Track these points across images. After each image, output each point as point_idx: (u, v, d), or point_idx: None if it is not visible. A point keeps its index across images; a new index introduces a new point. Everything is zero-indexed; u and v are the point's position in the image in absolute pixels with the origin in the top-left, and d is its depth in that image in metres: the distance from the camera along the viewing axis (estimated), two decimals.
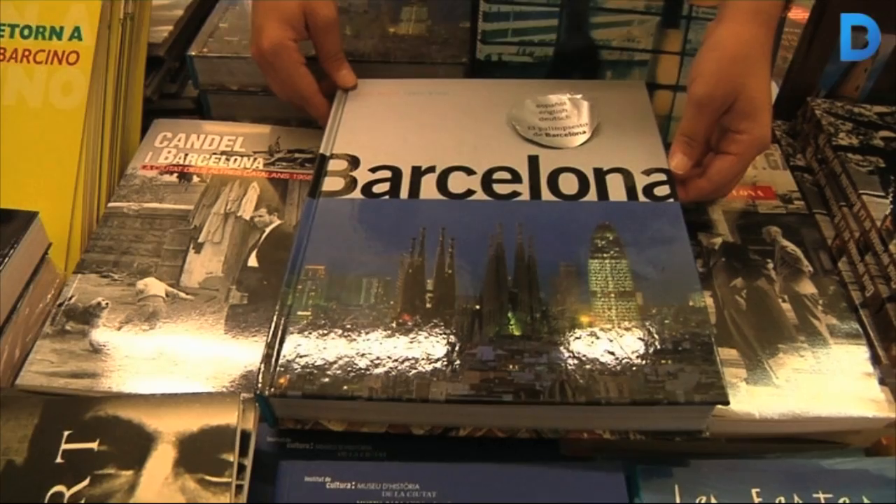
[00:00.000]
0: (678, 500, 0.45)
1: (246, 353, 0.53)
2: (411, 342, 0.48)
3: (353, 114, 0.66)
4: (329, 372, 0.46)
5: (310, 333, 0.48)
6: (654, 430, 0.47)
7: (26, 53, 0.66)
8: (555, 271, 0.52)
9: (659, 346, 0.47)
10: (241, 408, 0.44)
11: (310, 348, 0.47)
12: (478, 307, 0.50)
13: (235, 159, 0.69)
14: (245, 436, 0.44)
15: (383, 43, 0.75)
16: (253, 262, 0.60)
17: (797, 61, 0.72)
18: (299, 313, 0.50)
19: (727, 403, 0.44)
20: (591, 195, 0.57)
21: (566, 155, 0.61)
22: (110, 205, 0.65)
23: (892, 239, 0.56)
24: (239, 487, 0.41)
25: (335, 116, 0.66)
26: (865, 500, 0.45)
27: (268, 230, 0.63)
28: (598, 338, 0.48)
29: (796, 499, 0.45)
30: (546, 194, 0.57)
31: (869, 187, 0.60)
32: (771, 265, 0.59)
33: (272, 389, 0.45)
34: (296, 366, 0.46)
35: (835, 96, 0.71)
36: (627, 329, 0.48)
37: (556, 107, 0.65)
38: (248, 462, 0.43)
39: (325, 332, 0.48)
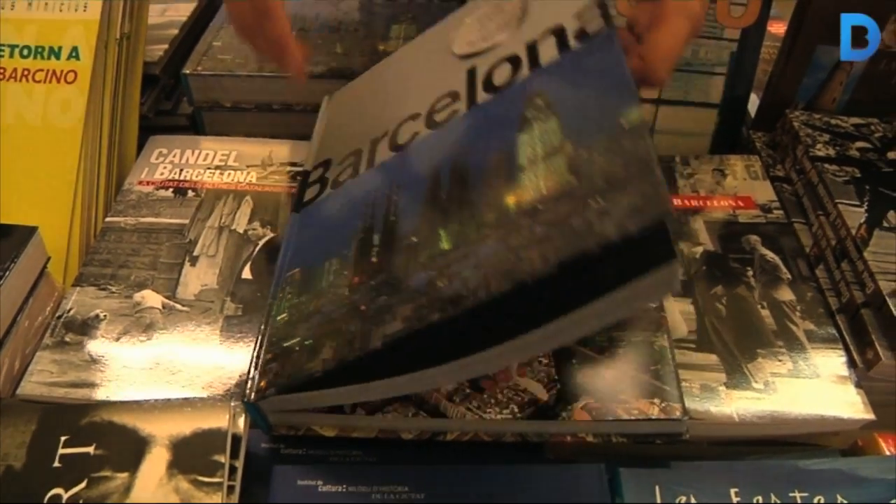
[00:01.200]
0: (658, 500, 0.46)
1: (240, 362, 0.55)
2: (360, 301, 0.47)
3: (328, 124, 0.67)
4: (296, 360, 0.47)
5: (284, 332, 0.49)
6: (631, 427, 0.48)
7: (25, 73, 0.68)
8: (486, 165, 0.48)
9: (589, 189, 0.41)
10: (231, 412, 0.45)
11: (283, 346, 0.48)
12: (414, 239, 0.47)
13: (229, 173, 0.71)
14: (236, 439, 0.45)
15: (373, 60, 0.76)
16: (247, 274, 0.62)
17: (776, 74, 0.73)
18: (278, 318, 0.50)
19: (671, 227, 0.37)
20: (524, 70, 0.52)
21: (499, 49, 0.56)
22: (107, 219, 0.66)
23: (867, 247, 0.57)
24: (231, 488, 0.43)
25: (315, 134, 0.67)
26: (840, 499, 0.46)
27: (261, 243, 0.64)
28: (524, 213, 0.43)
29: (773, 498, 0.46)
30: (481, 97, 0.53)
31: (845, 197, 0.62)
32: (750, 273, 0.60)
33: (254, 394, 0.47)
34: (273, 366, 0.47)
35: (813, 108, 0.73)
36: (555, 189, 0.42)
37: (491, 10, 0.60)
38: (239, 464, 0.44)
39: (295, 326, 0.49)
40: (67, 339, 0.56)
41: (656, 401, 0.48)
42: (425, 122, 0.55)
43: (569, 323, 0.39)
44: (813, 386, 0.52)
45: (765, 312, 0.57)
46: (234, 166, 0.71)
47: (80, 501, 0.42)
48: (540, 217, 0.41)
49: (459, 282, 0.42)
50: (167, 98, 0.80)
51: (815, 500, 0.46)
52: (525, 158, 0.45)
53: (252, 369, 0.48)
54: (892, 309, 0.53)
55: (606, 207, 0.39)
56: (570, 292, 0.39)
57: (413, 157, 0.54)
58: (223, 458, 0.43)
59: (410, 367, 0.43)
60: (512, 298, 0.40)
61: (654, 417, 0.47)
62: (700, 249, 0.62)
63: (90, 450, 0.44)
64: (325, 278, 0.50)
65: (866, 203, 0.61)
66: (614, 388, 0.49)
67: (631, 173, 0.39)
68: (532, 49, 0.53)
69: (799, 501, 0.46)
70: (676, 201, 0.67)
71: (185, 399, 0.47)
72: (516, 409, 0.48)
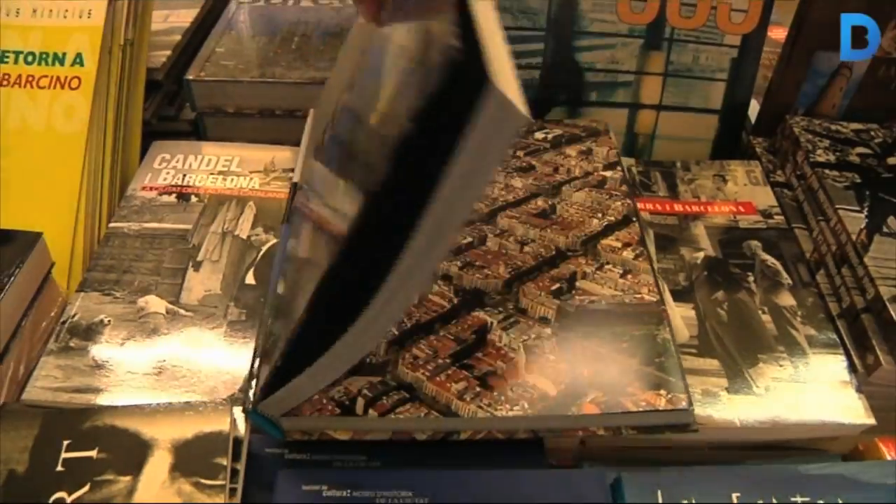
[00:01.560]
0: (660, 502, 0.47)
1: (244, 367, 0.54)
2: (302, 280, 0.47)
3: (310, 132, 0.68)
4: (271, 358, 0.47)
5: (272, 337, 0.50)
6: (640, 419, 0.48)
7: (30, 79, 0.68)
8: (366, 100, 0.46)
9: (413, 66, 0.36)
10: (232, 416, 0.46)
11: (266, 348, 0.49)
12: (330, 202, 0.48)
13: (232, 179, 0.71)
14: (237, 442, 0.45)
15: None
16: (250, 279, 0.62)
17: (776, 79, 0.74)
18: (269, 323, 0.51)
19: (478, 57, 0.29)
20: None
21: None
22: (111, 225, 0.66)
23: (867, 252, 0.58)
24: (232, 490, 0.43)
25: (302, 144, 0.68)
26: (840, 503, 0.47)
27: (264, 248, 0.64)
28: (380, 124, 0.40)
29: (774, 501, 0.47)
30: (375, 42, 0.50)
31: (845, 202, 0.62)
32: (751, 278, 0.60)
33: (251, 402, 0.47)
34: (264, 372, 0.48)
35: (813, 114, 0.73)
36: (397, 85, 0.39)
37: None
38: (241, 467, 0.45)
39: (274, 326, 0.50)
40: (72, 344, 0.56)
41: (662, 392, 0.48)
42: (347, 90, 0.55)
43: (437, 213, 0.32)
44: (814, 391, 0.53)
45: (766, 317, 0.57)
46: (236, 172, 0.72)
47: None
48: (385, 119, 0.38)
49: (341, 218, 0.40)
50: (170, 104, 0.81)
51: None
52: (386, 75, 0.43)
53: (249, 380, 0.49)
54: (893, 314, 0.53)
55: (415, 76, 0.33)
56: (417, 184, 0.32)
57: (338, 126, 0.54)
58: (225, 461, 0.44)
59: (338, 327, 0.39)
60: (372, 211, 0.35)
61: (661, 408, 0.48)
62: (701, 255, 0.62)
63: (93, 454, 0.44)
64: (294, 272, 0.51)
65: (866, 208, 0.61)
66: (621, 382, 0.49)
67: (430, 23, 0.34)
68: None
69: None
70: (677, 207, 0.67)
71: (187, 403, 0.47)
72: (527, 406, 0.48)
